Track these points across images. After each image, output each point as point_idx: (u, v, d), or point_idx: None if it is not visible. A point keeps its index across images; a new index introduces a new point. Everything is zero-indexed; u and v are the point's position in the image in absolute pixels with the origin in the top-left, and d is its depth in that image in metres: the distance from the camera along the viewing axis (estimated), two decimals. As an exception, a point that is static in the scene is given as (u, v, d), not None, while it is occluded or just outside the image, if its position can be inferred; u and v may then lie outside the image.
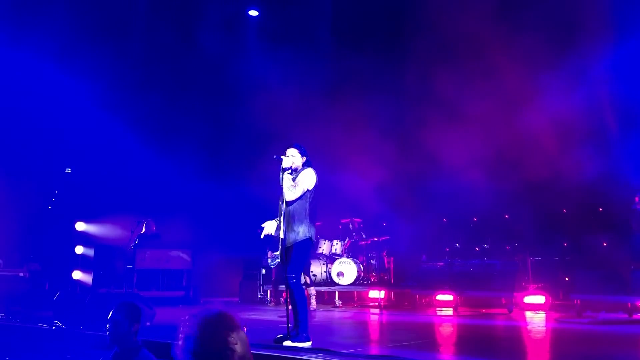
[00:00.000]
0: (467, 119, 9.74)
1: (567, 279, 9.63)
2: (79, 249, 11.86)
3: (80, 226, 12.15)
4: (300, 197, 5.42)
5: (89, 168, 11.91)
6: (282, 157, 5.53)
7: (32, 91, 10.60)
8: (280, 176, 5.48)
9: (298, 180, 5.45)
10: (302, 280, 9.35)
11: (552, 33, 9.41)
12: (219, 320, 2.04)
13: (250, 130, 12.06)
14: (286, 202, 5.43)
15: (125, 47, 11.64)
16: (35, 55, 10.53)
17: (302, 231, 5.38)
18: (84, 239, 12.05)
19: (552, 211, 9.95)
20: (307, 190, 5.47)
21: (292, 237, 5.36)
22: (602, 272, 8.15)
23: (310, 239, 5.44)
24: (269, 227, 5.68)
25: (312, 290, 9.69)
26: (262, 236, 5.69)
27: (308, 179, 5.48)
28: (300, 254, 5.40)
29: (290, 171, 5.53)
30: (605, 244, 9.24)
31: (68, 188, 12.05)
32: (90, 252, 11.48)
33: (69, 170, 12.17)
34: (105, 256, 10.93)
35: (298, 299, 5.29)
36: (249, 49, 12.73)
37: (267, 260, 10.86)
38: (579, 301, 8.20)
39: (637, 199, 8.54)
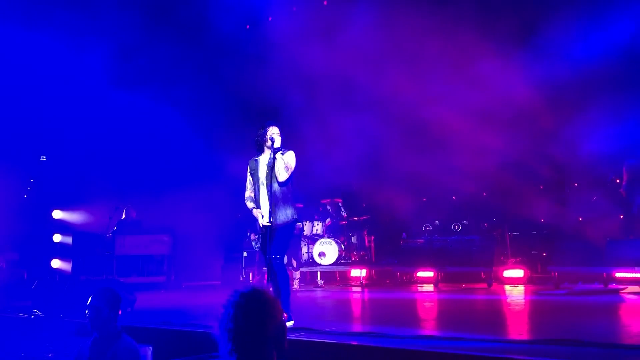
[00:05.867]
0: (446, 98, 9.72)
1: (544, 252, 9.80)
2: (57, 237, 11.73)
3: (57, 214, 12.01)
4: (289, 179, 5.41)
5: (64, 155, 11.71)
6: (273, 136, 5.40)
7: (3, 78, 10.32)
8: (270, 156, 5.36)
9: (287, 161, 5.39)
10: (285, 262, 9.45)
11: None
12: (255, 299, 2.01)
13: (232, 107, 11.81)
14: (278, 183, 5.34)
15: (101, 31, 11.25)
16: (6, 42, 10.25)
17: (290, 213, 5.37)
18: (62, 227, 11.92)
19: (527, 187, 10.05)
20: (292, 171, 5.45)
21: (281, 218, 5.31)
22: (578, 245, 8.30)
23: (296, 220, 5.46)
24: (264, 216, 5.41)
25: (297, 275, 9.74)
26: (263, 223, 5.37)
27: (293, 159, 5.44)
28: (286, 235, 5.38)
29: (281, 151, 5.43)
30: (580, 218, 9.41)
31: (44, 176, 11.85)
32: (69, 240, 11.34)
33: (44, 157, 11.95)
34: (84, 243, 10.81)
35: (281, 280, 5.28)
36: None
37: (252, 243, 10.87)
38: (556, 273, 8.35)
39: (622, 180, 8.56)
